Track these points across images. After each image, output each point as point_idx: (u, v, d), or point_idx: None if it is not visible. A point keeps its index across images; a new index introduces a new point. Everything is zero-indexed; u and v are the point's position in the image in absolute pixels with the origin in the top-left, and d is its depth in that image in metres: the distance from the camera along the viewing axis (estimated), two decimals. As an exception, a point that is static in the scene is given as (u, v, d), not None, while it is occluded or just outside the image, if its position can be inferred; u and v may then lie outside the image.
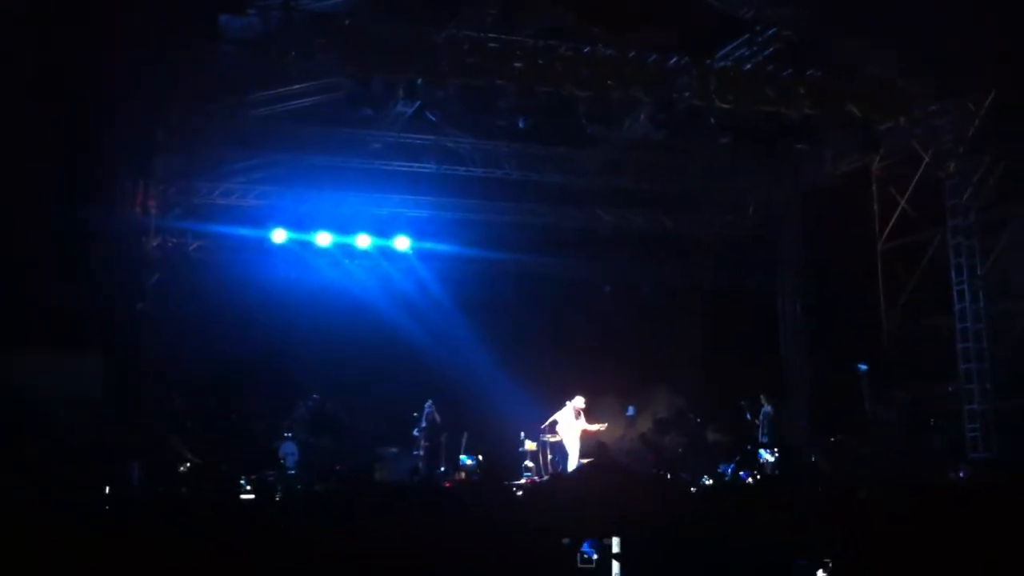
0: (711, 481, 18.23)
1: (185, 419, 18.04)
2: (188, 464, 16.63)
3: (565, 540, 6.05)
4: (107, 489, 13.30)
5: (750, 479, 18.35)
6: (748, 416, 20.80)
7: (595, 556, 6.15)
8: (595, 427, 19.67)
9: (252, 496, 12.12)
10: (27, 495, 8.27)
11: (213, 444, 18.00)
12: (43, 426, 14.84)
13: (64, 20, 14.50)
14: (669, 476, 16.81)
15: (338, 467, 18.31)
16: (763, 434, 20.28)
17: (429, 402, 20.06)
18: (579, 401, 19.64)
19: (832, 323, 21.96)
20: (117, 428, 15.57)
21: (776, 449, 19.47)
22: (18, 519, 6.78)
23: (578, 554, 6.05)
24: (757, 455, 19.46)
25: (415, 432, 20.06)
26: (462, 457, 19.46)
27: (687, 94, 17.17)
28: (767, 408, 20.54)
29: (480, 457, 19.29)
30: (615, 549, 5.78)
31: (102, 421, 15.43)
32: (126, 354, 16.54)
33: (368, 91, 16.10)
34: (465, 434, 20.04)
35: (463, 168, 21.23)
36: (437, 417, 19.95)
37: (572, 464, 19.27)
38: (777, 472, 18.30)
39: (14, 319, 15.14)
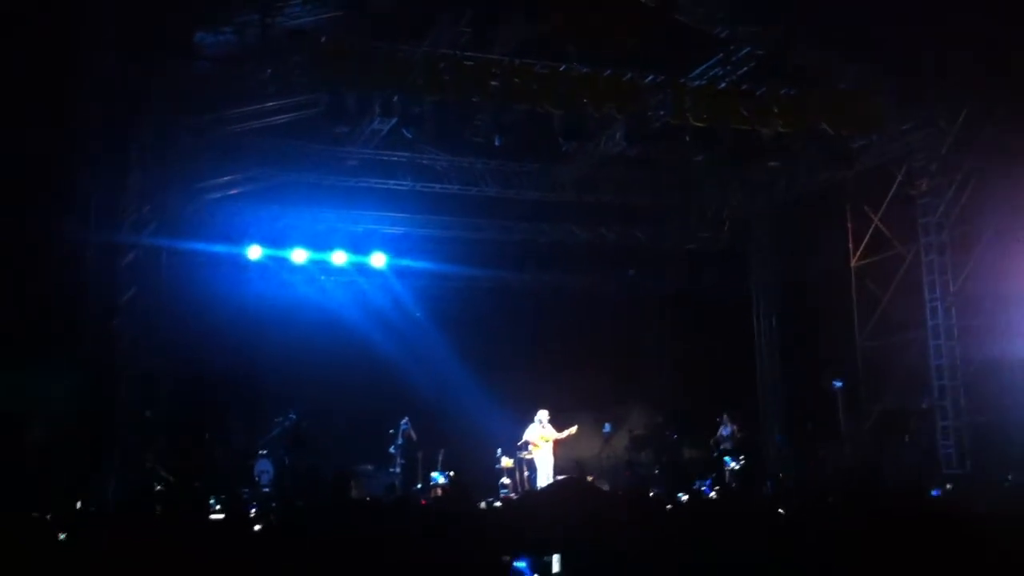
0: (687, 498, 18.26)
1: (159, 435, 17.92)
2: (162, 481, 16.54)
3: (505, 557, 6.02)
4: (79, 504, 13.24)
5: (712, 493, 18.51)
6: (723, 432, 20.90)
7: None
8: (565, 433, 19.74)
9: (223, 516, 12.04)
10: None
11: (187, 460, 17.90)
12: (15, 437, 14.74)
13: (37, 32, 14.46)
14: (642, 493, 16.81)
15: (313, 484, 18.23)
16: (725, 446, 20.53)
17: (405, 419, 20.02)
18: (543, 414, 19.75)
19: (806, 339, 22.07)
20: (90, 443, 15.49)
21: (741, 456, 19.69)
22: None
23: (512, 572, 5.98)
24: (723, 462, 19.64)
25: (391, 449, 20.01)
26: (433, 474, 19.44)
27: (662, 112, 17.28)
28: (728, 428, 20.69)
29: (451, 473, 19.27)
30: (555, 568, 5.75)
31: (75, 435, 15.35)
32: (99, 369, 16.45)
33: (344, 108, 16.11)
34: (442, 451, 20.00)
35: (439, 185, 21.26)
36: (413, 434, 19.92)
37: (543, 479, 19.32)
38: (742, 479, 18.50)
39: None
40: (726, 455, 19.95)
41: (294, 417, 19.79)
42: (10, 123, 14.70)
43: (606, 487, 16.74)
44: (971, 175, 18.32)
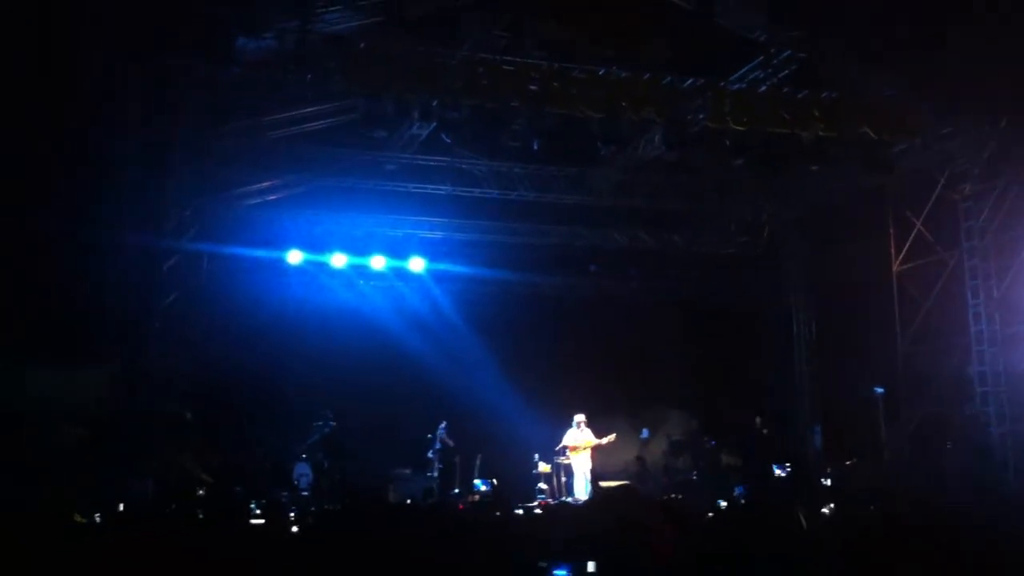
0: (726, 504, 18.18)
1: (198, 438, 18.07)
2: (202, 484, 16.66)
3: (542, 563, 5.99)
4: (121, 506, 13.36)
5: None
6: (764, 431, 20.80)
7: None
8: (605, 440, 19.69)
9: (263, 520, 12.12)
10: (38, 507, 8.29)
11: (226, 463, 18.04)
12: (55, 438, 14.91)
13: (78, 39, 14.63)
14: (682, 501, 16.75)
15: (352, 488, 18.32)
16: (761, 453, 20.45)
17: (443, 424, 20.05)
18: (580, 417, 19.74)
19: (846, 345, 21.88)
20: (129, 443, 15.64)
21: (787, 463, 19.58)
22: (26, 533, 6.79)
23: None
24: (771, 468, 19.52)
25: (429, 454, 20.05)
26: (476, 482, 19.43)
27: (701, 116, 17.19)
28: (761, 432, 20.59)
29: (494, 481, 19.26)
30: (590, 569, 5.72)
31: (113, 438, 15.50)
32: (140, 371, 16.62)
33: (383, 113, 16.16)
34: (479, 456, 20.02)
35: (477, 189, 21.28)
36: (449, 441, 19.92)
37: (580, 483, 19.28)
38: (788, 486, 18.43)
39: (29, 332, 15.27)
40: (773, 462, 19.84)
41: (333, 424, 19.85)
42: (50, 126, 14.89)
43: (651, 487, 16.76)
44: (1015, 179, 18.13)
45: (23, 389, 15.39)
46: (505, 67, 16.18)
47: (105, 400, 16.16)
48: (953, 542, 6.13)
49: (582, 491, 19.20)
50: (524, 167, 21.02)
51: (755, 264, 24.14)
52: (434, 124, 16.92)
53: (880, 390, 19.32)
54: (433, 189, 21.06)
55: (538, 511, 16.12)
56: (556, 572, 5.63)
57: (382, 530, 6.63)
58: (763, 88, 17.57)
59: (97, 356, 16.17)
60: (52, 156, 15.14)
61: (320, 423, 19.98)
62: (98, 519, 10.76)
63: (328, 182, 20.63)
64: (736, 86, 17.60)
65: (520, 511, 15.06)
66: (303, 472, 19.31)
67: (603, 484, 18.19)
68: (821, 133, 17.42)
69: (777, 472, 19.52)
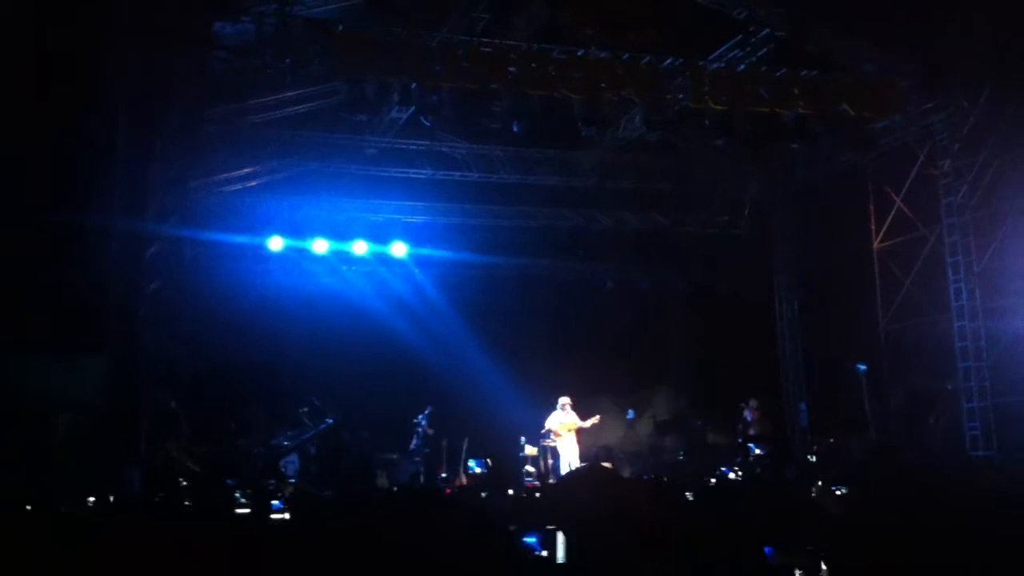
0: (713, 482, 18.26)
1: (183, 425, 18.00)
2: (188, 473, 16.60)
3: (511, 527, 6.01)
4: (111, 496, 13.33)
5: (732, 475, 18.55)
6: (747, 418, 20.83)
7: (543, 551, 6.10)
8: (589, 422, 19.68)
9: (248, 509, 12.08)
10: (24, 498, 8.26)
11: (212, 451, 17.97)
12: (42, 429, 14.86)
13: (59, 24, 14.54)
14: (665, 479, 16.80)
15: (339, 473, 18.27)
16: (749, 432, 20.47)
17: (427, 410, 19.97)
18: (565, 400, 19.71)
19: (829, 323, 21.95)
20: (116, 432, 15.57)
21: (768, 443, 19.65)
22: (13, 523, 6.76)
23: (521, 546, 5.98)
24: (749, 448, 19.59)
25: (413, 440, 20.01)
26: (470, 462, 19.42)
27: (681, 96, 17.19)
28: (752, 414, 20.62)
29: (488, 461, 19.24)
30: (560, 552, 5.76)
31: (101, 425, 15.44)
32: (125, 359, 16.54)
33: (362, 97, 16.10)
34: (466, 440, 20.00)
35: (458, 173, 21.25)
36: (429, 430, 19.85)
37: (566, 466, 19.28)
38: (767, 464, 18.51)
39: (15, 322, 15.19)
40: (751, 441, 19.88)
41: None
42: (34, 113, 14.80)
43: (627, 472, 16.73)
44: (994, 155, 18.17)
45: (12, 378, 15.32)
46: (483, 49, 16.12)
47: (91, 391, 16.08)
48: (935, 518, 6.17)
49: (570, 474, 19.18)
50: (505, 149, 21.01)
51: (738, 243, 24.16)
52: (413, 108, 16.86)
53: (863, 367, 19.40)
54: (414, 173, 21.02)
55: (524, 494, 16.14)
56: (526, 539, 5.69)
57: (370, 516, 6.63)
58: (742, 67, 17.57)
59: (87, 345, 16.09)
60: (35, 143, 15.04)
61: (306, 409, 19.88)
62: (90, 503, 10.74)
63: (309, 167, 20.58)
64: (715, 65, 17.59)
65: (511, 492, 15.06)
66: (290, 459, 19.24)
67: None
68: (801, 111, 17.43)
69: (756, 451, 19.56)
